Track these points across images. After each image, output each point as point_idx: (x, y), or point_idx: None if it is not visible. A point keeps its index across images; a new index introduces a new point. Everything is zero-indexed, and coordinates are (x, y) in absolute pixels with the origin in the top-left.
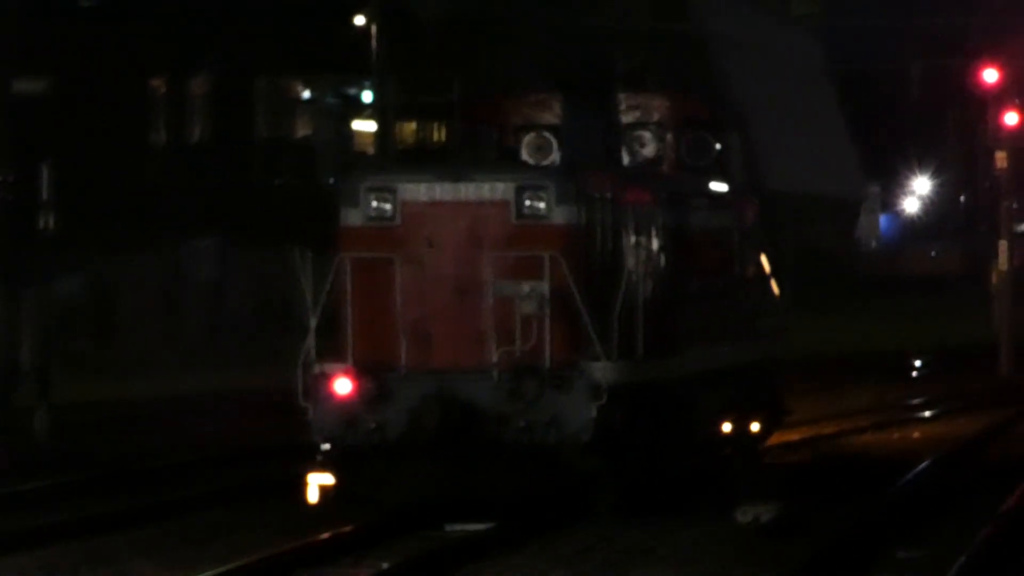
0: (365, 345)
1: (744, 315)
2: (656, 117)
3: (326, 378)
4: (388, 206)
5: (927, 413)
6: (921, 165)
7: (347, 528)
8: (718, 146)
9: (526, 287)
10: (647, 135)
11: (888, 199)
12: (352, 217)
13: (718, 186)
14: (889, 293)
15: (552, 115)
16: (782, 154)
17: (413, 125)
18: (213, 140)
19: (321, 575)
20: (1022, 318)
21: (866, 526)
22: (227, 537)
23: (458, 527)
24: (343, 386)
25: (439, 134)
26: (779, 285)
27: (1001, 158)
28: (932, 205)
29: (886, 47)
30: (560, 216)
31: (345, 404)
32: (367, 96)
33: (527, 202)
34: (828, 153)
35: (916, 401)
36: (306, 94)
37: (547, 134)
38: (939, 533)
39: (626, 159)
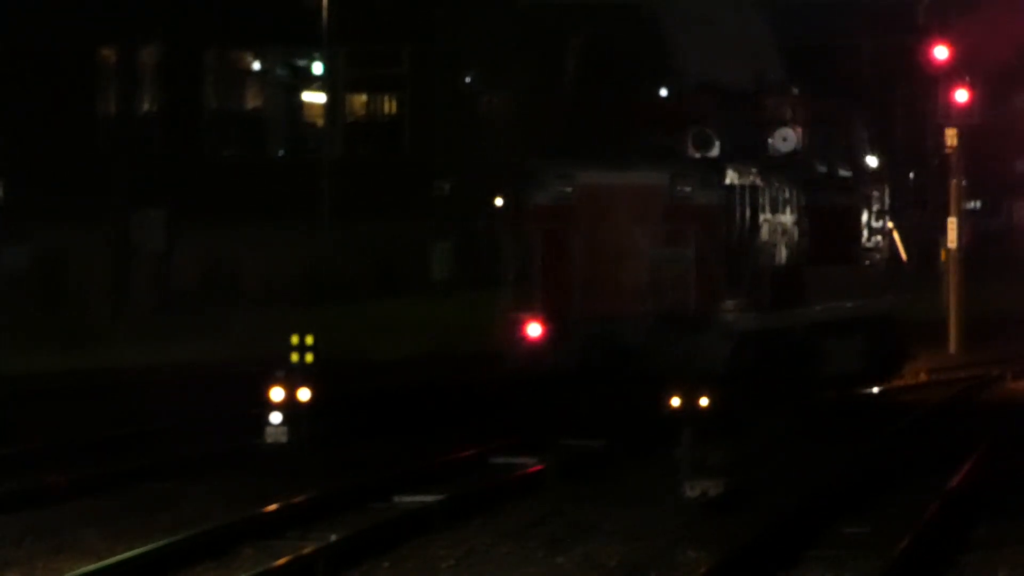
0: (549, 297)
1: (869, 277)
2: (796, 116)
3: (520, 322)
4: (568, 188)
5: (875, 390)
6: (696, 128)
7: (294, 500)
8: (847, 139)
9: (675, 253)
10: (788, 131)
11: None
12: (540, 197)
13: (846, 171)
14: None
15: (710, 114)
16: None
17: (363, 97)
18: (162, 111)
19: (268, 547)
20: (971, 296)
21: (813, 501)
22: (174, 508)
23: (407, 499)
24: (534, 329)
25: (389, 106)
26: (906, 253)
27: (951, 135)
28: None
29: (836, 23)
30: (703, 198)
31: (534, 342)
32: (317, 68)
33: (677, 187)
34: None
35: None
36: (256, 65)
37: (706, 130)
38: (886, 508)
39: (771, 150)
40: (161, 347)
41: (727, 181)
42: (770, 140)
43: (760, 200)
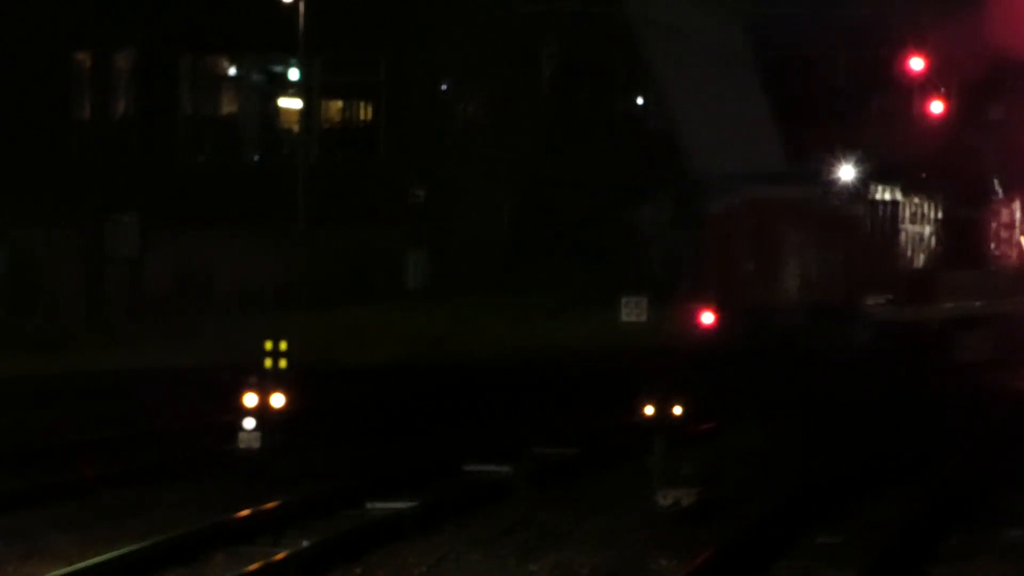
0: (720, 290)
1: (998, 280)
2: (936, 145)
3: (695, 312)
4: (737, 200)
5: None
6: (846, 152)
7: (266, 506)
8: (979, 163)
9: (825, 255)
10: (928, 156)
11: None
12: (713, 207)
13: (979, 190)
14: None
15: (860, 140)
16: (708, 139)
17: (339, 104)
18: (137, 115)
19: (240, 553)
20: None
21: (786, 510)
22: (145, 514)
23: (379, 505)
24: (707, 317)
25: (365, 113)
26: None
27: None
28: None
29: (812, 34)
30: (849, 210)
31: (706, 329)
32: (293, 74)
33: (826, 200)
34: (753, 138)
35: None
36: (232, 71)
37: (858, 152)
38: (861, 517)
39: (912, 171)
40: (134, 352)
41: (871, 196)
42: (911, 163)
43: (901, 213)
